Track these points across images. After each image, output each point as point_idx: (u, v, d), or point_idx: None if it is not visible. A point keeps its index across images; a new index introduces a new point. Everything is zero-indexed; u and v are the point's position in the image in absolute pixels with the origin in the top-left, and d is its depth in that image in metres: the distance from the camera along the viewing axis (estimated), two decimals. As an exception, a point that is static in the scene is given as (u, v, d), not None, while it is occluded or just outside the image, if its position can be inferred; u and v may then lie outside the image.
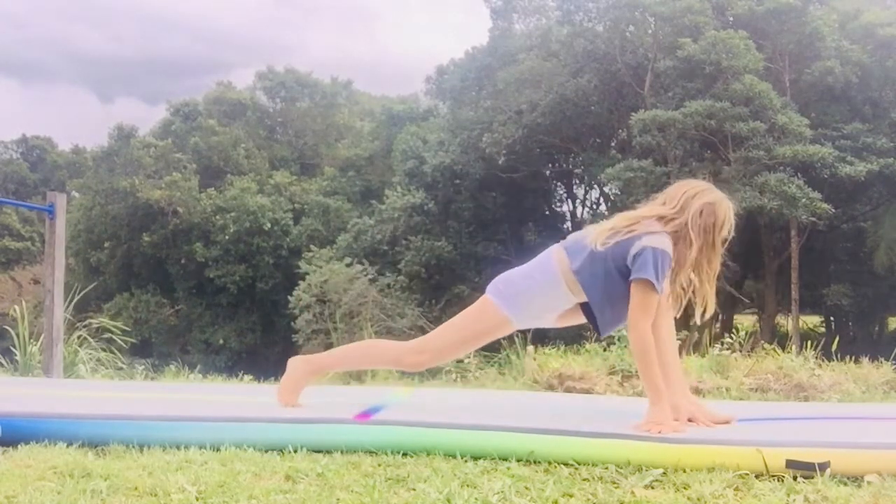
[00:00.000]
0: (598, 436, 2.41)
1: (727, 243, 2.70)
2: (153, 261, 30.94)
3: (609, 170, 19.70)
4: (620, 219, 2.67)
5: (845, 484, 2.16)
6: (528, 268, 2.78)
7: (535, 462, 2.35)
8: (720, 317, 24.85)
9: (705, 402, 3.01)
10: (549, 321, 2.85)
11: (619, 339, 4.57)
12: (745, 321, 24.52)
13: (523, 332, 4.21)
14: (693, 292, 2.69)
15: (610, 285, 2.60)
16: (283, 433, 2.52)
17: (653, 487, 2.14)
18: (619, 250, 2.58)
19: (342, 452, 2.43)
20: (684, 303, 2.72)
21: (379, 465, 2.31)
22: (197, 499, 1.97)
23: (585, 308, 2.71)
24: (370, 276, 22.07)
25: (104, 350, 5.76)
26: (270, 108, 36.61)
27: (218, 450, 2.43)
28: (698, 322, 2.74)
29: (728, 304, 24.20)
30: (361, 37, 79.17)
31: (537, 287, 2.71)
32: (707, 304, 2.68)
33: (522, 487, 2.09)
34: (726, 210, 2.67)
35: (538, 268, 2.74)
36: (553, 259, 2.71)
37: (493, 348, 4.96)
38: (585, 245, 2.65)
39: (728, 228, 2.68)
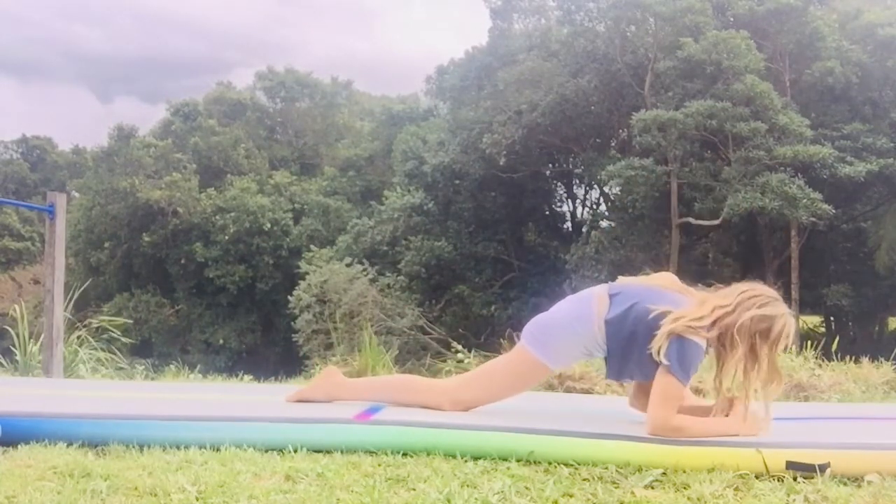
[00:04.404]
0: (598, 436, 2.41)
1: (773, 358, 2.48)
2: (153, 261, 30.94)
3: (610, 167, 19.66)
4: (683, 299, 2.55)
5: (845, 484, 2.17)
6: (566, 312, 2.69)
7: (535, 462, 2.35)
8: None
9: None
10: (584, 359, 2.87)
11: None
12: (745, 321, 24.45)
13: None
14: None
15: (629, 347, 2.53)
16: (283, 433, 2.52)
17: (653, 487, 2.14)
18: (654, 321, 2.48)
19: (342, 452, 2.42)
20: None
21: (379, 465, 2.30)
22: (197, 499, 1.97)
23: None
24: (370, 277, 22.05)
25: (104, 350, 5.76)
26: (270, 108, 36.64)
27: (218, 450, 2.42)
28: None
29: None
30: (362, 36, 79.37)
31: (574, 336, 2.64)
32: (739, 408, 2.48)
33: (522, 487, 2.09)
34: (784, 325, 2.47)
35: (576, 313, 2.65)
36: (594, 302, 2.63)
37: (492, 348, 4.96)
38: (632, 299, 2.57)
39: (782, 345, 2.49)
